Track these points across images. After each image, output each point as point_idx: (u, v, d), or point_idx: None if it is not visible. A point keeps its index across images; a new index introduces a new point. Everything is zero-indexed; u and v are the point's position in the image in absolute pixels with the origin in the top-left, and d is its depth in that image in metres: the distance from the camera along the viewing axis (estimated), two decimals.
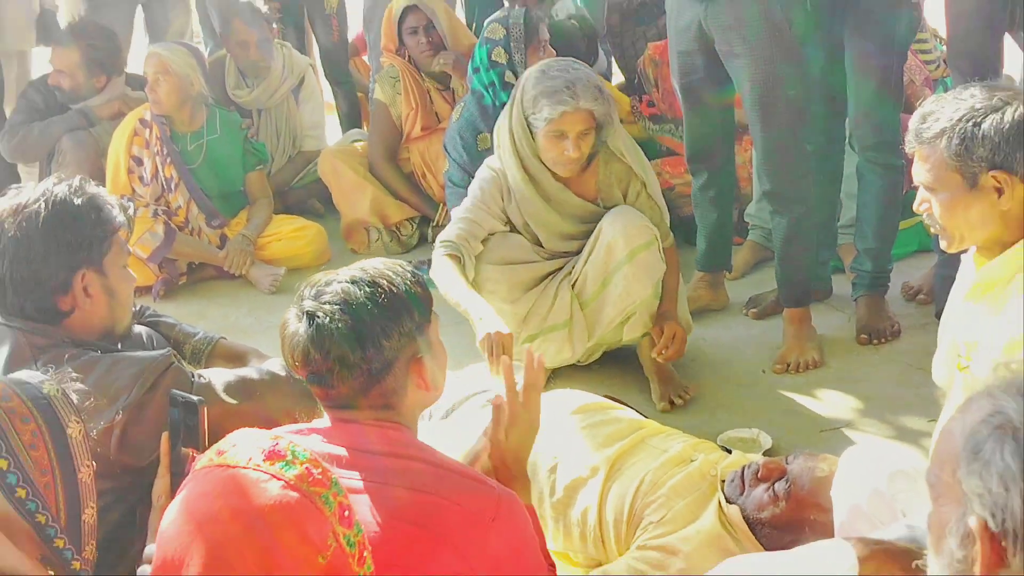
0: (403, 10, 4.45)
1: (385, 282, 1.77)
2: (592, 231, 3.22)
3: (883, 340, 3.48)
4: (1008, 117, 2.03)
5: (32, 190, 2.17)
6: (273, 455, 1.28)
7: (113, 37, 4.48)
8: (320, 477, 1.28)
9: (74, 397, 1.78)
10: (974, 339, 2.13)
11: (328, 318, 1.71)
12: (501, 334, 2.75)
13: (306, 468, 1.27)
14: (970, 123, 2.04)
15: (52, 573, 1.71)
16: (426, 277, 3.82)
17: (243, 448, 1.30)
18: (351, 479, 1.59)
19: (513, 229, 3.27)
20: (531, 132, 3.14)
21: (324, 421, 1.80)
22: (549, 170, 3.20)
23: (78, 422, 1.75)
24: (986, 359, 2.05)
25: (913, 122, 2.15)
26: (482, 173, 3.31)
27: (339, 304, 1.72)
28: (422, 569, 1.63)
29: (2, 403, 1.68)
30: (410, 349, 1.77)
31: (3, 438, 1.65)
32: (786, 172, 3.36)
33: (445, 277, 3.06)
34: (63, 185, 2.16)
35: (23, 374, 1.83)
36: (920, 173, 2.14)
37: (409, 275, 1.81)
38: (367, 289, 1.74)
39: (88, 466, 1.76)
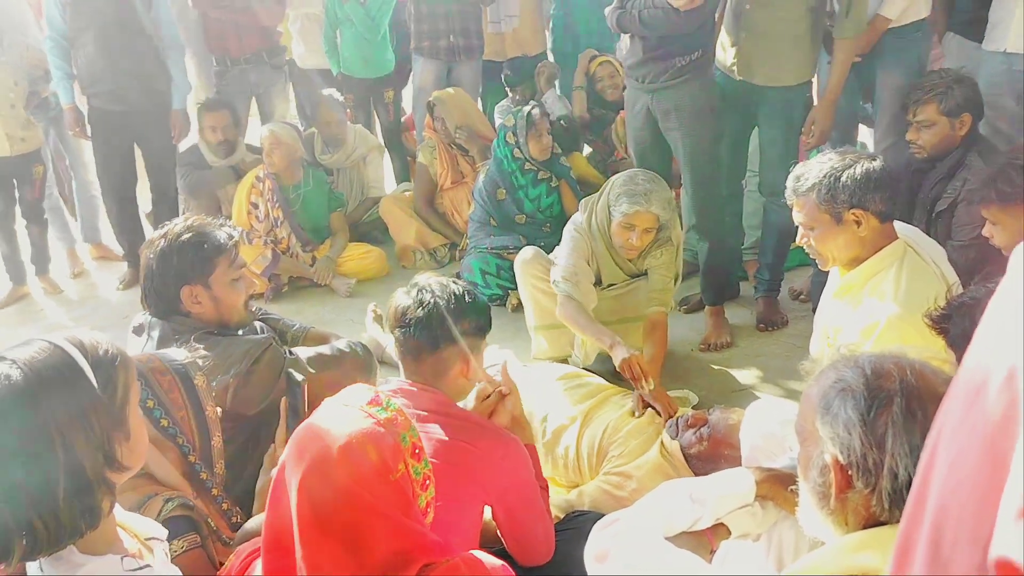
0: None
1: (474, 292, 1.84)
2: (629, 278, 3.07)
3: (776, 328, 3.46)
4: (859, 170, 2.03)
5: (171, 224, 2.16)
6: (374, 402, 1.29)
7: (236, 109, 4.55)
8: (403, 421, 1.28)
9: (200, 361, 1.81)
10: (839, 326, 2.13)
11: (433, 292, 1.77)
12: (637, 356, 2.56)
13: (394, 414, 1.28)
14: (832, 178, 2.04)
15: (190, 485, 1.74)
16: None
17: (355, 395, 1.31)
18: None
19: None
20: (609, 218, 2.89)
21: (391, 386, 1.80)
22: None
23: (202, 375, 1.78)
24: (846, 339, 2.05)
25: (789, 181, 2.14)
26: (573, 231, 3.00)
27: (439, 289, 1.79)
28: (453, 493, 1.63)
29: (147, 365, 1.71)
30: (465, 343, 1.77)
31: (148, 386, 1.67)
32: (707, 210, 3.35)
33: (573, 311, 2.79)
34: (181, 224, 2.14)
35: (165, 351, 1.86)
36: (799, 217, 2.14)
37: (485, 299, 1.87)
38: (460, 288, 1.81)
39: (212, 406, 1.78)
